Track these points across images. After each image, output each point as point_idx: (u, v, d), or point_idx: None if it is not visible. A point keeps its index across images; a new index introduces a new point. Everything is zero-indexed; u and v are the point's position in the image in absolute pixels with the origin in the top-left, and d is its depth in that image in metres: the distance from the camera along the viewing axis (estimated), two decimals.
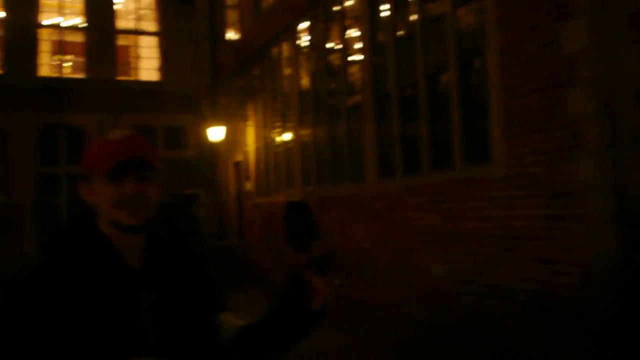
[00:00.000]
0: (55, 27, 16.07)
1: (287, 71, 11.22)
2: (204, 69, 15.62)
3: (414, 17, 7.14)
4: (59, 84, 15.15)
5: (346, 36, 8.92)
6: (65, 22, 16.22)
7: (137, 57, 17.34)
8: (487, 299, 5.77)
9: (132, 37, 17.17)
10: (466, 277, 6.07)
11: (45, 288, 1.17)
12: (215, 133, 13.59)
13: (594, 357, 4.53)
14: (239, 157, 13.93)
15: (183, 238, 1.47)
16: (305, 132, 10.35)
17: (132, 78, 16.97)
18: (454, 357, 5.38)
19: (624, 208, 4.49)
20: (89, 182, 1.28)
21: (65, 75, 16.07)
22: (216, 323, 1.41)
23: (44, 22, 15.81)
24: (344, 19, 8.98)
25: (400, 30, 7.56)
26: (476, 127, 6.07)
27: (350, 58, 8.88)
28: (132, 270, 1.27)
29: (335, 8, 9.11)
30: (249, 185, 13.33)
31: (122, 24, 16.58)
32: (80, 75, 16.07)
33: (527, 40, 5.29)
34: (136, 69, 17.14)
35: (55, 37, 16.20)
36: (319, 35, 9.78)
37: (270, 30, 11.53)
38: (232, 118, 13.79)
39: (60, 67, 16.22)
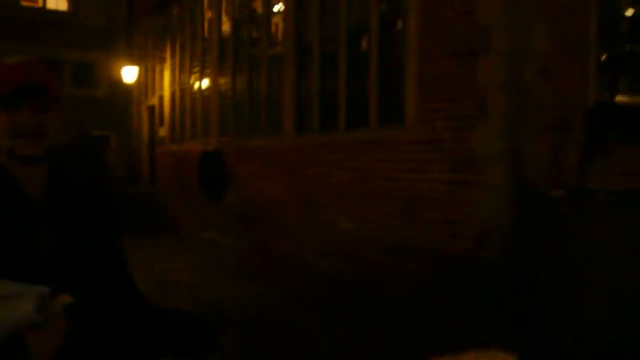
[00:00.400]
0: None
1: (208, 14, 10.78)
2: (120, 1, 14.70)
3: None
4: None
5: None
6: None
7: None
8: (391, 257, 6.03)
9: None
10: (372, 234, 6.30)
11: None
12: (130, 73, 12.94)
13: (487, 310, 4.88)
14: (154, 101, 13.40)
15: (89, 175, 1.42)
16: (224, 80, 10.09)
17: (37, 5, 15.64)
18: (358, 310, 5.62)
19: (520, 176, 4.79)
20: None
21: None
22: (122, 258, 1.41)
23: None
24: None
25: None
26: (392, 89, 6.18)
27: (274, 7, 8.67)
28: (31, 202, 1.22)
29: None
30: (162, 131, 12.91)
31: None
32: None
33: (446, 6, 5.38)
34: None
35: None
36: None
37: None
38: (148, 58, 13.16)
39: None
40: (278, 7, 8.55)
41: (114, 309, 1.33)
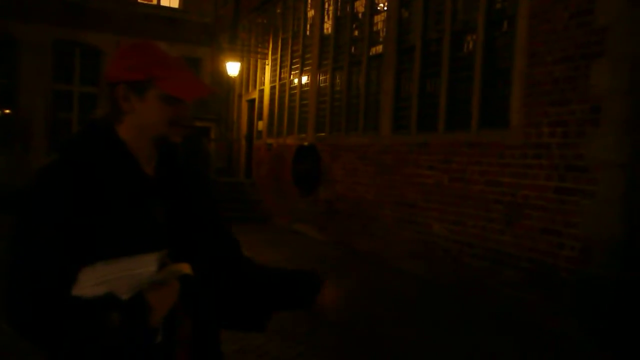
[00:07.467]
0: None
1: (310, 13, 10.99)
2: (227, 0, 15.32)
3: None
4: (78, 0, 14.91)
5: None
6: None
7: None
8: (486, 263, 5.88)
9: None
10: (467, 239, 6.17)
11: (58, 184, 1.21)
12: (233, 68, 13.46)
13: (588, 327, 4.66)
14: (254, 95, 13.85)
15: (192, 160, 1.57)
16: (323, 78, 10.25)
17: (152, 2, 16.65)
18: (448, 314, 5.54)
19: (635, 188, 4.51)
20: (135, 91, 1.30)
21: None
22: (227, 232, 1.57)
23: None
24: None
25: None
26: (497, 91, 6.02)
27: (376, 6, 8.69)
28: (146, 177, 1.34)
29: None
30: (261, 125, 13.32)
31: None
32: None
33: (559, 7, 5.16)
34: None
35: None
36: None
37: None
38: (250, 55, 13.62)
39: None
40: (381, 7, 8.56)
41: (224, 270, 1.48)
